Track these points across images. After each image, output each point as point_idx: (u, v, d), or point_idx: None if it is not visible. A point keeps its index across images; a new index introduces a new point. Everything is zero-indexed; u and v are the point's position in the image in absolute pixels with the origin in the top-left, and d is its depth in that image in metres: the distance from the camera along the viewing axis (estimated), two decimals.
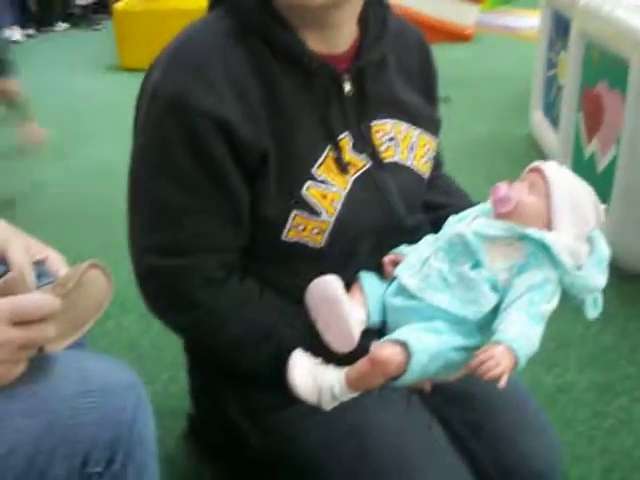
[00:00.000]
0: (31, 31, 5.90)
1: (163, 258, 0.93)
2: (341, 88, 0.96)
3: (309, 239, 0.96)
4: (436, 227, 1.05)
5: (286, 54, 0.92)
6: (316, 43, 0.95)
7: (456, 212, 1.04)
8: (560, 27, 2.72)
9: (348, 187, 0.96)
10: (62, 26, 6.13)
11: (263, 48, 0.92)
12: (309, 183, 0.93)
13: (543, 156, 2.83)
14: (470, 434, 1.13)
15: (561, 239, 0.90)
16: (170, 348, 1.69)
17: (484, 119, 3.45)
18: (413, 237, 1.04)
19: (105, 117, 3.63)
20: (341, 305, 0.93)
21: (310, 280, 0.96)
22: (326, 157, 0.95)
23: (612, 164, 2.04)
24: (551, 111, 2.84)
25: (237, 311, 0.96)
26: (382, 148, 1.01)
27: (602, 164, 2.14)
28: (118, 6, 4.62)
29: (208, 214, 0.92)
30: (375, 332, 0.98)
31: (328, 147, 0.95)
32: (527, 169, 0.98)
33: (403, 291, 0.96)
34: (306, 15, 0.92)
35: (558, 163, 0.98)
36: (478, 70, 4.38)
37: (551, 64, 2.87)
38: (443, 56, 5.19)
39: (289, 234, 0.94)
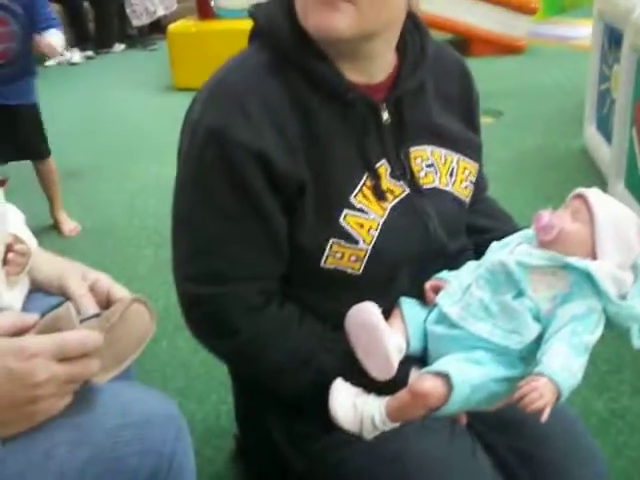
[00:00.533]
0: (90, 52, 6.06)
1: (204, 286, 0.95)
2: (379, 117, 0.97)
3: (347, 266, 0.96)
4: (479, 251, 1.05)
5: (323, 85, 0.93)
6: (352, 73, 0.96)
7: (499, 237, 1.04)
8: (612, 39, 2.67)
9: (386, 215, 0.97)
10: (119, 47, 6.29)
11: (300, 80, 0.93)
12: (346, 212, 0.94)
13: (596, 171, 2.78)
14: (518, 461, 1.11)
15: (605, 268, 0.89)
16: (220, 368, 1.70)
17: (536, 132, 3.40)
18: (456, 262, 1.04)
19: (160, 136, 3.71)
20: (379, 332, 0.92)
21: (350, 305, 0.96)
22: (363, 185, 0.96)
23: None
24: (604, 125, 2.79)
25: (276, 337, 0.97)
26: (421, 174, 1.01)
27: None
28: (172, 27, 4.72)
29: (246, 243, 0.94)
30: (416, 359, 0.97)
31: (365, 175, 0.96)
32: (570, 196, 0.98)
33: (444, 319, 0.95)
34: (339, 47, 0.93)
35: (611, 183, 0.98)
36: (530, 82, 4.33)
37: (604, 77, 2.82)
38: (495, 68, 5.20)
39: (327, 261, 0.96)
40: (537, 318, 0.90)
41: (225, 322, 0.96)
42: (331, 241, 0.94)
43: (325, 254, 0.95)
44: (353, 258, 0.96)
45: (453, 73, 1.09)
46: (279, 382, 0.99)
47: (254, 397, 1.11)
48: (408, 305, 1.00)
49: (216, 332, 0.98)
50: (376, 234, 0.96)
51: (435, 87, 1.05)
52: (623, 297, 0.89)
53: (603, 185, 2.56)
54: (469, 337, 0.92)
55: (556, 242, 0.92)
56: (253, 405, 1.12)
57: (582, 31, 5.28)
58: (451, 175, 1.05)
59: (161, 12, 6.31)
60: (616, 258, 0.91)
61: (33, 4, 2.35)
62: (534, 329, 0.89)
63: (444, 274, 1.02)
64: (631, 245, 0.93)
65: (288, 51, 0.94)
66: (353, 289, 0.98)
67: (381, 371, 0.93)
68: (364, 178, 0.96)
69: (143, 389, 0.79)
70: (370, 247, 0.95)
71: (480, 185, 1.16)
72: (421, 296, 1.03)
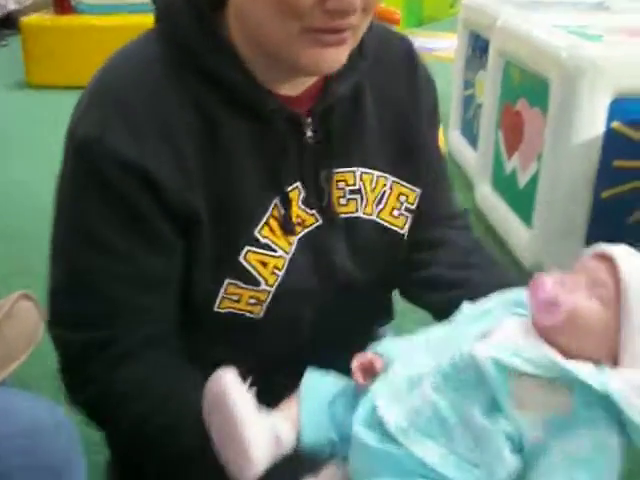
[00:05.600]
0: None
1: (73, 332, 0.78)
2: (301, 134, 0.80)
3: (245, 310, 0.82)
4: (446, 307, 0.78)
5: (234, 92, 0.76)
6: (271, 79, 0.78)
7: (476, 291, 0.76)
8: (477, 47, 2.77)
9: (292, 250, 0.82)
10: None
11: (203, 82, 0.76)
12: (248, 248, 0.79)
13: (461, 173, 2.87)
14: None
15: (636, 383, 0.59)
16: None
17: None
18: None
19: (11, 135, 3.48)
20: (236, 414, 0.64)
21: (247, 352, 0.82)
22: (270, 216, 0.80)
23: (534, 179, 2.07)
24: (469, 129, 2.89)
25: (149, 388, 0.79)
26: (341, 201, 0.85)
27: (523, 180, 2.18)
28: (26, 21, 4.46)
29: (128, 279, 0.77)
30: (313, 460, 0.71)
31: (274, 203, 0.80)
32: (587, 254, 0.68)
33: (378, 424, 0.64)
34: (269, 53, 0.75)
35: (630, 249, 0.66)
36: None
37: (468, 84, 2.92)
38: None
39: (221, 305, 0.81)
40: (516, 448, 0.60)
41: (85, 371, 0.78)
42: (226, 282, 0.79)
43: (219, 296, 0.80)
44: (252, 301, 0.81)
45: (400, 70, 0.90)
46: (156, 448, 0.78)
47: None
48: (311, 380, 0.72)
49: (76, 384, 0.80)
50: (281, 274, 0.81)
51: (375, 90, 0.86)
52: None
53: (469, 187, 2.65)
54: (409, 458, 0.62)
55: (561, 328, 0.63)
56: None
57: (442, 43, 5.50)
58: (379, 202, 0.88)
59: (12, 6, 5.95)
60: None
61: None
62: (509, 463, 0.60)
63: (384, 345, 0.72)
64: None
65: (189, 41, 0.76)
66: (251, 333, 0.85)
67: (240, 468, 0.64)
68: (271, 206, 0.80)
69: (25, 395, 0.69)
70: (273, 289, 0.81)
71: (441, 211, 0.97)
72: (330, 334, 0.85)
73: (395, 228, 0.90)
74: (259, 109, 0.77)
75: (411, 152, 0.89)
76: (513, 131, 2.27)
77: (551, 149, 1.95)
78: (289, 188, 0.81)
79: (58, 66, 4.16)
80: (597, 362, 0.62)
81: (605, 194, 1.95)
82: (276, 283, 0.81)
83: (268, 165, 0.79)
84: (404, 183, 0.89)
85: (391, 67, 0.88)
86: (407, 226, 0.91)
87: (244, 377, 0.66)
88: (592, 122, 1.86)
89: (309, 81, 0.80)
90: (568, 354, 0.61)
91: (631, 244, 0.67)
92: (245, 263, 0.79)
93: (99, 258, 0.76)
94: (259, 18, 0.70)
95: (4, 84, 4.58)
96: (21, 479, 0.61)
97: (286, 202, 0.80)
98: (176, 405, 0.76)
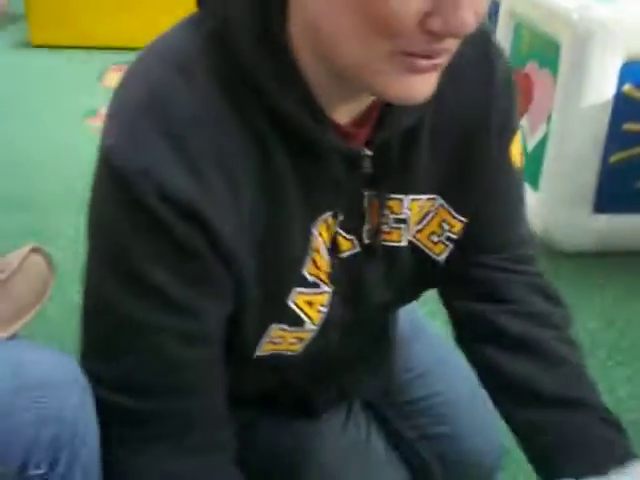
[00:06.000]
0: None
1: (114, 393, 0.67)
2: (356, 168, 0.69)
3: (285, 350, 0.76)
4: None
5: (288, 121, 0.63)
6: (333, 98, 0.65)
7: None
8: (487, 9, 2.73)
9: (329, 281, 0.73)
10: None
11: (257, 106, 0.63)
12: (296, 290, 0.71)
13: None
14: (417, 436, 1.14)
15: None
16: None
17: None
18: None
19: (13, 97, 3.45)
20: None
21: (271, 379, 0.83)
22: (314, 251, 0.70)
23: (542, 143, 2.06)
24: None
25: None
26: (385, 228, 0.75)
27: (531, 143, 2.16)
28: None
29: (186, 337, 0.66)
30: None
31: (313, 232, 0.70)
32: None
33: None
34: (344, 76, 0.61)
35: None
36: None
37: None
38: None
39: (264, 349, 0.74)
40: None
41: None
42: (273, 326, 0.72)
43: (263, 342, 0.73)
44: (294, 340, 0.75)
45: (471, 78, 0.75)
46: None
47: None
48: None
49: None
50: (326, 310, 0.74)
51: (437, 110, 0.72)
52: None
53: None
54: None
55: None
56: None
57: None
58: (420, 222, 0.78)
59: None
60: None
61: None
62: None
63: None
64: None
65: (247, 60, 0.61)
66: (283, 366, 0.81)
67: None
68: (312, 238, 0.70)
69: (41, 348, 0.69)
70: (317, 327, 0.74)
71: (502, 244, 0.84)
72: (348, 348, 0.83)
73: (430, 253, 0.81)
74: (316, 143, 0.65)
75: (470, 175, 0.77)
76: (522, 94, 2.25)
77: (560, 112, 1.93)
78: (327, 214, 0.70)
79: (62, 25, 4.11)
80: None
81: (614, 158, 1.93)
82: (321, 320, 0.75)
83: (308, 194, 0.68)
84: (451, 209, 0.78)
85: (460, 76, 0.72)
86: (445, 255, 0.81)
87: None
88: (602, 85, 1.84)
89: (365, 102, 0.67)
90: None
91: None
92: (293, 306, 0.71)
93: (146, 307, 0.64)
94: (339, 35, 0.57)
95: (6, 43, 4.53)
96: (32, 434, 0.62)
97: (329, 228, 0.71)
98: None
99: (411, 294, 0.88)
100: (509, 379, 0.82)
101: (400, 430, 1.15)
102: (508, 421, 0.84)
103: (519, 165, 0.84)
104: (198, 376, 0.69)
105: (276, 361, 0.78)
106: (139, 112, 0.61)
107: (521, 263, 0.86)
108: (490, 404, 0.88)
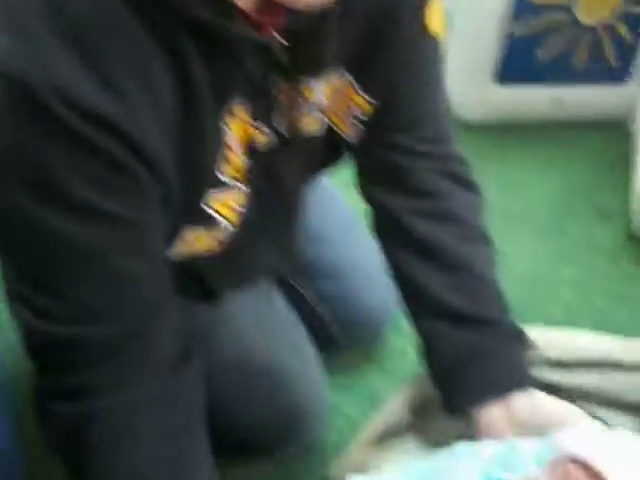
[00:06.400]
0: None
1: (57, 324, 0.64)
2: (267, 58, 0.67)
3: (201, 250, 0.78)
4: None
5: (195, 17, 0.58)
6: None
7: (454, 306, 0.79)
8: None
9: (244, 177, 0.73)
10: None
11: (165, 13, 0.58)
12: (211, 191, 0.69)
13: None
14: (316, 298, 1.18)
15: None
16: None
17: None
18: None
19: None
20: None
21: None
22: (226, 147, 0.68)
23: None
24: None
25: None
26: (300, 116, 0.74)
27: None
28: None
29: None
30: None
31: (223, 126, 0.67)
32: (556, 459, 0.69)
33: None
34: None
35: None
36: None
37: None
38: None
39: (177, 250, 0.74)
40: None
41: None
42: (187, 230, 0.72)
43: (175, 244, 0.73)
44: (210, 240, 0.77)
45: None
46: None
47: None
48: None
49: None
50: (243, 209, 0.74)
51: None
52: None
53: None
54: None
55: None
56: None
57: None
58: (331, 102, 0.77)
59: None
60: None
61: None
62: None
63: None
64: None
65: None
66: (200, 263, 0.82)
67: None
68: (223, 133, 0.67)
69: None
70: (234, 226, 0.75)
71: (413, 122, 0.83)
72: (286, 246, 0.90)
73: (341, 133, 0.81)
74: (224, 34, 0.61)
75: (380, 50, 0.76)
76: None
77: None
78: (239, 107, 0.68)
79: None
80: None
81: (516, 29, 1.94)
82: (238, 219, 0.75)
83: (227, 92, 0.66)
84: (361, 89, 0.77)
85: None
86: (354, 134, 0.81)
87: None
88: None
89: None
90: None
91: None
92: (207, 208, 0.70)
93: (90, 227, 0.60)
94: None
95: None
96: None
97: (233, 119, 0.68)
98: None
99: (324, 172, 0.91)
100: (412, 285, 0.84)
101: (299, 291, 1.18)
102: (415, 326, 0.86)
103: (438, 33, 0.81)
104: (147, 290, 0.66)
105: (189, 261, 0.79)
106: (35, 15, 0.53)
107: (435, 143, 0.86)
108: (384, 265, 0.91)
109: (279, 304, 1.14)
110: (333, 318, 1.21)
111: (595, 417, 0.79)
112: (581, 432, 0.71)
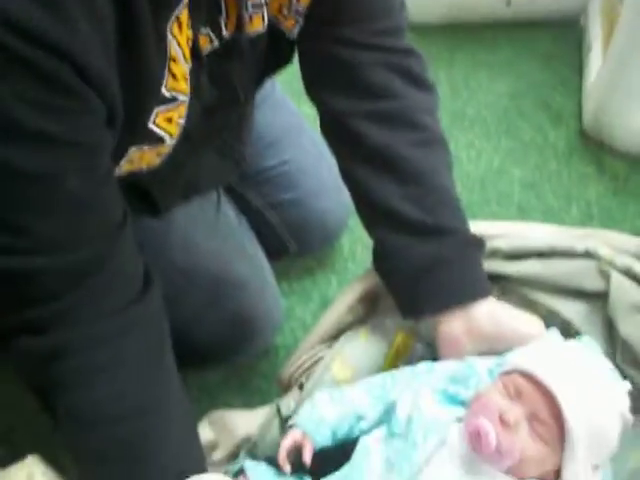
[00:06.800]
0: None
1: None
2: None
3: (143, 165, 0.76)
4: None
5: None
6: None
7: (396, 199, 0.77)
8: None
9: (189, 88, 0.69)
10: None
11: None
12: (156, 110, 0.68)
13: None
14: (266, 205, 1.16)
15: None
16: None
17: None
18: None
19: None
20: None
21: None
22: (170, 59, 0.66)
23: None
24: None
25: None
26: (245, 16, 0.71)
27: None
28: None
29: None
30: None
31: (168, 37, 0.64)
32: (506, 370, 0.71)
33: None
34: None
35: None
36: None
37: None
38: None
39: (122, 169, 0.74)
40: None
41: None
42: (132, 149, 0.71)
43: (122, 163, 0.72)
44: (152, 156, 0.75)
45: None
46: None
47: None
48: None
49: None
50: (183, 121, 0.72)
51: None
52: None
53: None
54: None
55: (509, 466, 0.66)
56: None
57: None
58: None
59: None
60: (588, 466, 0.68)
61: None
62: None
63: (306, 418, 0.75)
64: (610, 443, 0.69)
65: None
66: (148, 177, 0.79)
67: None
68: (170, 44, 0.64)
69: None
70: (174, 140, 0.73)
71: (361, 14, 0.78)
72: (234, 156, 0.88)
73: (283, 29, 0.78)
74: None
75: None
76: None
77: None
78: (180, 11, 0.64)
79: None
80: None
81: None
82: (177, 134, 0.73)
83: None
84: None
85: None
86: (295, 30, 0.78)
87: None
88: None
89: None
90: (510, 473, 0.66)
91: None
92: (154, 127, 0.69)
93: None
94: None
95: None
96: None
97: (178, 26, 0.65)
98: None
99: (270, 76, 0.87)
100: (368, 197, 0.81)
101: (249, 199, 1.16)
102: (370, 234, 0.83)
103: None
104: (103, 213, 0.65)
105: (132, 176, 0.77)
106: None
107: (386, 36, 0.81)
108: (337, 170, 0.88)
109: (228, 212, 1.12)
110: (284, 224, 1.20)
111: (547, 310, 0.80)
112: (532, 349, 0.72)
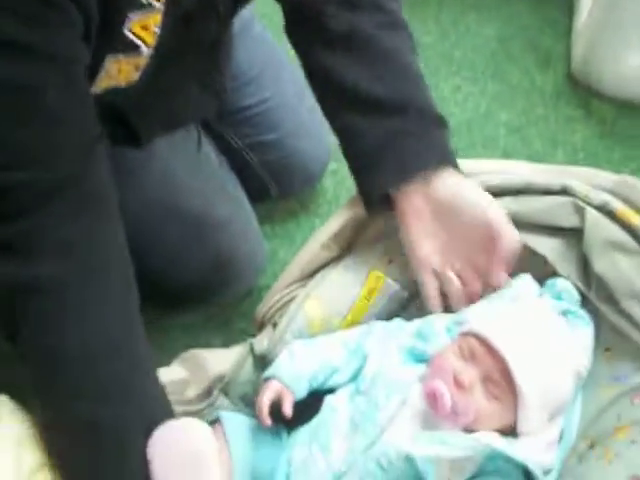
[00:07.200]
0: None
1: None
2: None
3: (122, 80, 0.75)
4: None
5: None
6: None
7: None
8: None
9: None
10: None
11: None
12: (131, 15, 0.67)
13: None
14: (246, 146, 1.15)
15: (538, 456, 0.69)
16: None
17: None
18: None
19: None
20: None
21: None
22: None
23: None
24: None
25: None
26: None
27: None
28: None
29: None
30: None
31: None
32: (463, 332, 0.73)
33: None
34: None
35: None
36: None
37: None
38: None
39: (100, 85, 0.73)
40: None
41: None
42: (108, 58, 0.70)
43: (98, 77, 0.71)
44: (130, 69, 0.74)
45: None
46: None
47: None
48: (232, 427, 0.73)
49: None
50: (159, 30, 0.71)
51: None
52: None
53: None
54: None
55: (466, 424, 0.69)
56: None
57: None
58: None
59: None
60: (543, 420, 0.71)
61: None
62: None
63: (285, 369, 0.75)
64: (564, 396, 0.72)
65: None
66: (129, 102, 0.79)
67: None
68: None
69: None
70: (151, 50, 0.73)
71: None
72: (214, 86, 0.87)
73: None
74: None
75: None
76: None
77: None
78: None
79: None
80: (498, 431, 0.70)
81: None
82: (154, 42, 0.72)
83: None
84: None
85: None
86: None
87: None
88: None
89: None
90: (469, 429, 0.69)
91: None
92: (129, 34, 0.69)
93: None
94: None
95: None
96: None
97: None
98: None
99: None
100: (334, 80, 0.80)
101: (229, 139, 1.15)
102: (333, 125, 0.83)
103: None
104: (79, 131, 0.64)
105: (112, 96, 0.75)
106: None
107: None
108: (318, 111, 0.87)
109: (210, 153, 1.11)
110: (265, 165, 1.19)
111: (523, 246, 0.80)
112: (488, 310, 0.75)
